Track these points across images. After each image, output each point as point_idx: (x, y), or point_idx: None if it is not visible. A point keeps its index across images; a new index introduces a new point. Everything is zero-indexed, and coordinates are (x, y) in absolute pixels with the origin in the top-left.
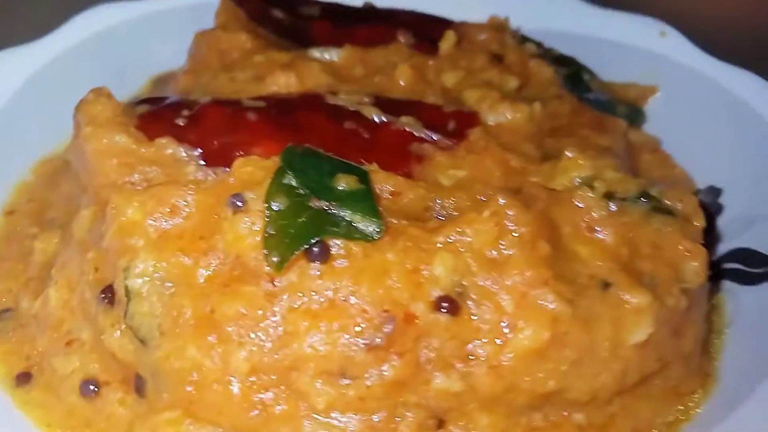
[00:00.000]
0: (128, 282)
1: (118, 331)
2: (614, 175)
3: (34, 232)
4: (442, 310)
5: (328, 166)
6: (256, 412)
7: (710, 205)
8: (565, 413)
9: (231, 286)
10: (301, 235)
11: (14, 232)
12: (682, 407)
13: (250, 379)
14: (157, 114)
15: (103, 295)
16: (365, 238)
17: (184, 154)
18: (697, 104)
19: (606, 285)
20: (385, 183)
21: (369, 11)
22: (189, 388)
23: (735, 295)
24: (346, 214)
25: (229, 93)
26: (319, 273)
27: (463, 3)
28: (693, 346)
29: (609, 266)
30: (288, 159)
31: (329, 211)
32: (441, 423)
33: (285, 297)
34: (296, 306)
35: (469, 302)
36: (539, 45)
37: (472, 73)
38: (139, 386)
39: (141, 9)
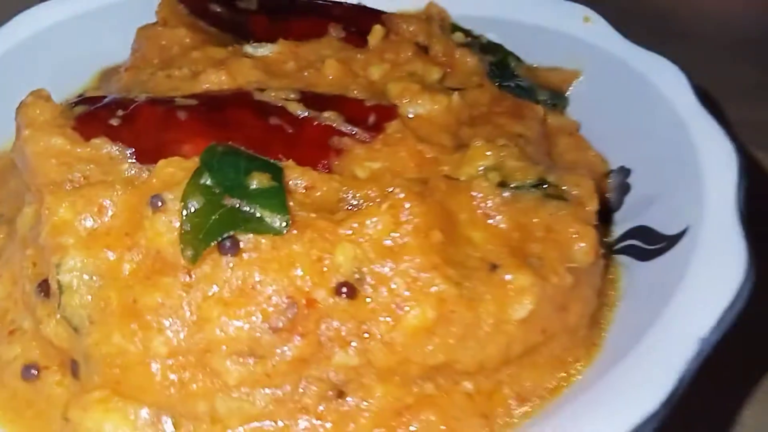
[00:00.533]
0: (60, 277)
1: (54, 321)
2: (515, 163)
3: None
4: (342, 294)
5: (245, 164)
6: (174, 390)
7: (619, 184)
8: (455, 382)
9: (152, 278)
10: (213, 231)
11: None
12: (565, 374)
13: (169, 361)
14: (92, 115)
15: (40, 289)
16: (273, 231)
17: (118, 153)
18: (616, 89)
19: (493, 267)
20: (300, 177)
21: (304, 4)
22: (115, 371)
23: (630, 270)
24: (257, 210)
25: (166, 90)
26: (230, 264)
27: None
28: (578, 319)
29: (499, 250)
30: (207, 159)
31: (241, 208)
32: (341, 393)
33: (200, 287)
34: (209, 294)
35: (366, 286)
36: (468, 33)
37: (397, 66)
38: (74, 369)
39: (88, 4)
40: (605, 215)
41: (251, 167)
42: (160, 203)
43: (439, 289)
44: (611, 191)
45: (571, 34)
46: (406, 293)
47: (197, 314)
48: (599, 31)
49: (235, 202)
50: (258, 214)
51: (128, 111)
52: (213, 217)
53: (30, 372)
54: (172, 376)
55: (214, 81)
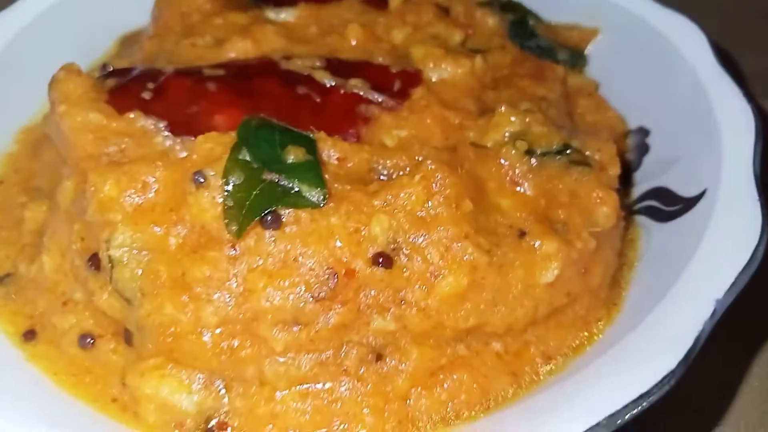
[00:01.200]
0: (110, 252)
1: (106, 293)
2: (540, 129)
3: (23, 201)
4: (379, 264)
5: (279, 138)
6: (225, 356)
7: (638, 145)
8: (485, 343)
9: (198, 252)
10: (256, 206)
11: (5, 202)
12: (588, 333)
13: (218, 329)
14: (124, 88)
15: (90, 263)
16: (312, 205)
17: (152, 126)
18: (635, 48)
19: (522, 234)
20: (332, 148)
21: None
22: (168, 339)
23: (648, 231)
24: (295, 184)
25: (191, 60)
26: (273, 238)
27: None
28: (601, 280)
29: (526, 217)
30: (243, 134)
31: (280, 182)
32: (379, 356)
33: (245, 259)
34: (254, 267)
35: (402, 256)
36: None
37: (419, 28)
38: (127, 338)
39: None
40: (625, 175)
41: (286, 141)
42: (202, 179)
43: (471, 257)
44: (630, 151)
45: None
46: (440, 262)
47: (243, 286)
48: None
49: (274, 177)
50: (296, 188)
51: (158, 84)
52: (254, 192)
53: (86, 341)
54: (223, 344)
55: (240, 49)
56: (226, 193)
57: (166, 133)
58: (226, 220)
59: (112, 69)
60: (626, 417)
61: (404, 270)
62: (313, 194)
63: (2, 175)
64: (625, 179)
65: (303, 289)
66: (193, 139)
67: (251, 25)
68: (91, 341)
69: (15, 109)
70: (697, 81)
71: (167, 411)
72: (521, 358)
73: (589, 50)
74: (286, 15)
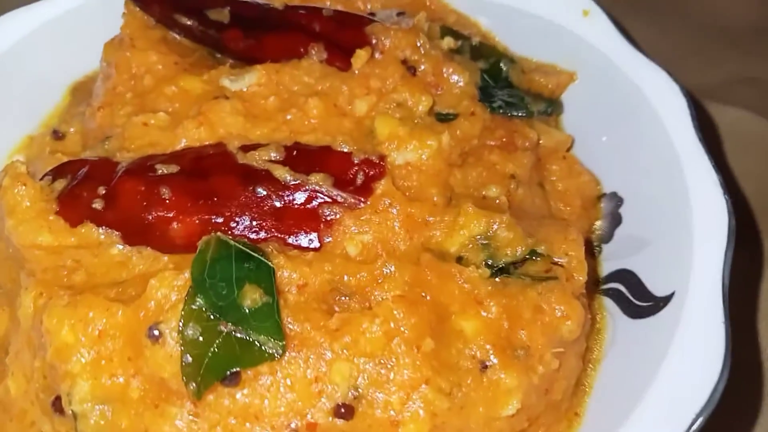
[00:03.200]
0: (73, 407)
1: None
2: (506, 234)
3: None
4: (341, 416)
5: (236, 272)
6: None
7: (611, 213)
8: None
9: (160, 406)
10: (214, 367)
11: None
12: None
13: None
14: (74, 195)
15: (54, 407)
16: (270, 359)
17: (104, 237)
18: (612, 100)
19: (484, 367)
20: (293, 272)
21: (280, 14)
22: None
23: (614, 320)
24: (252, 335)
25: (143, 146)
26: (233, 394)
27: None
28: (562, 394)
29: (490, 342)
30: (197, 276)
31: (236, 335)
32: None
33: (206, 415)
34: (214, 424)
35: (363, 403)
36: (458, 35)
37: (384, 95)
38: None
39: (47, 13)
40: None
41: (243, 276)
42: (157, 333)
43: (432, 405)
44: (603, 218)
45: (568, 28)
46: (401, 409)
47: None
48: (598, 28)
49: (231, 329)
50: (254, 340)
51: (110, 189)
52: (212, 349)
53: None
54: None
55: (194, 137)
56: (182, 348)
57: (120, 245)
58: (185, 378)
59: (59, 164)
60: None
61: (365, 418)
62: (271, 346)
63: None
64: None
65: None
66: (148, 249)
67: (204, 104)
68: None
69: None
70: (676, 158)
71: None
72: None
73: (565, 97)
74: (242, 84)
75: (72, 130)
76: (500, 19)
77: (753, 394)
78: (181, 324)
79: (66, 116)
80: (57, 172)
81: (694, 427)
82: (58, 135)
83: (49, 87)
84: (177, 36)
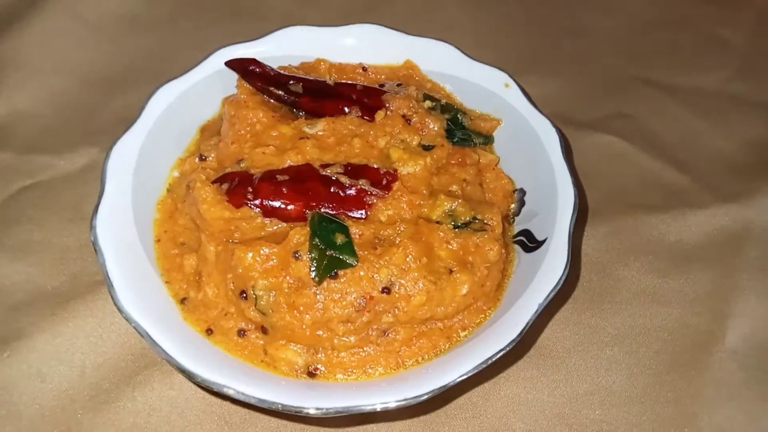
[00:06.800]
0: (255, 292)
1: (252, 310)
2: (461, 209)
3: (176, 252)
4: (384, 292)
5: (331, 226)
6: (315, 338)
7: (520, 200)
8: (434, 324)
9: (299, 290)
10: (326, 269)
11: (167, 253)
12: (484, 316)
13: (311, 326)
14: (235, 191)
15: (243, 295)
16: (351, 266)
17: (254, 214)
18: (520, 136)
19: (451, 271)
20: (355, 228)
21: (332, 87)
22: (288, 332)
23: (519, 256)
24: (342, 255)
25: (264, 164)
26: (334, 284)
27: (384, 51)
28: (490, 288)
29: (453, 261)
30: (313, 227)
31: (335, 255)
32: (385, 333)
33: (323, 293)
34: (327, 297)
35: (395, 287)
36: (433, 99)
37: (393, 135)
38: (264, 331)
39: (187, 82)
40: (511, 218)
41: (334, 229)
42: (299, 255)
43: (426, 287)
44: (515, 203)
45: (497, 93)
46: (412, 290)
47: (323, 305)
48: (513, 94)
49: (332, 252)
50: (343, 258)
51: (254, 188)
52: (324, 262)
53: (242, 333)
54: (316, 332)
55: (293, 158)
56: (310, 262)
57: (261, 217)
58: (312, 275)
59: (224, 173)
60: (496, 359)
61: (396, 294)
62: (351, 260)
63: (158, 235)
64: (511, 221)
65: (350, 306)
66: (277, 220)
67: (297, 140)
68: (244, 333)
69: (152, 188)
70: (551, 168)
71: (290, 364)
72: (451, 330)
73: (495, 134)
74: (314, 129)
75: (212, 156)
76: (457, 86)
77: (574, 278)
78: (309, 251)
79: (202, 146)
80: (221, 180)
81: (551, 295)
82: (202, 158)
83: (188, 128)
84: (270, 99)
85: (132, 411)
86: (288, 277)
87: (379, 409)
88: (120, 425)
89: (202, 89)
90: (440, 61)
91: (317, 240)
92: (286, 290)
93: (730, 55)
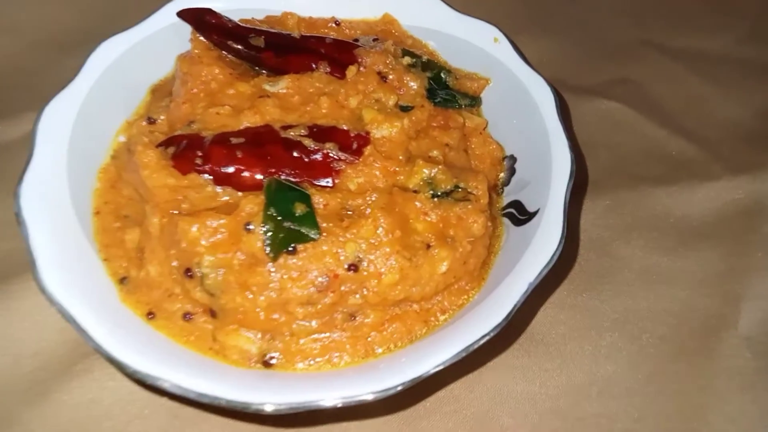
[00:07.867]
0: (201, 269)
1: (198, 291)
2: (441, 176)
3: (117, 226)
4: (351, 270)
5: (290, 195)
6: (271, 322)
7: (510, 168)
8: (409, 306)
9: (252, 268)
10: (282, 243)
11: (108, 227)
12: (466, 297)
13: (266, 309)
14: (182, 156)
15: (187, 274)
16: (312, 240)
17: (203, 181)
18: (511, 97)
19: (428, 246)
20: (319, 196)
21: (298, 41)
22: (239, 315)
23: (508, 230)
24: (302, 228)
25: (218, 126)
26: (293, 260)
27: (360, 3)
28: (474, 267)
29: (432, 235)
30: (269, 195)
31: (293, 227)
32: (353, 317)
33: (279, 271)
34: (284, 276)
35: (363, 264)
36: (413, 55)
37: (367, 95)
38: (213, 314)
39: (135, 37)
40: (500, 188)
41: (294, 198)
42: (252, 227)
43: (399, 264)
44: (505, 171)
45: (485, 50)
46: (383, 267)
47: (279, 284)
48: (504, 50)
49: (290, 224)
50: (303, 230)
51: (204, 152)
52: (280, 235)
53: (188, 316)
54: (270, 316)
55: (251, 119)
56: (264, 235)
57: (213, 187)
58: (267, 251)
59: (170, 136)
60: (479, 345)
61: (364, 272)
62: (313, 233)
63: (97, 206)
64: (499, 191)
65: (311, 285)
66: (231, 189)
67: (256, 99)
68: (191, 317)
69: (93, 154)
70: (546, 131)
71: (242, 353)
72: (429, 313)
73: (483, 95)
74: (277, 87)
75: (162, 117)
76: (442, 43)
77: (571, 256)
78: (263, 223)
79: (152, 108)
80: (167, 143)
81: (543, 273)
82: (150, 120)
83: (137, 88)
84: (228, 55)
85: (70, 404)
86: (239, 253)
87: (342, 404)
88: (57, 419)
89: (153, 45)
90: (423, 15)
91: (272, 210)
92: (237, 267)
93: (740, 16)
